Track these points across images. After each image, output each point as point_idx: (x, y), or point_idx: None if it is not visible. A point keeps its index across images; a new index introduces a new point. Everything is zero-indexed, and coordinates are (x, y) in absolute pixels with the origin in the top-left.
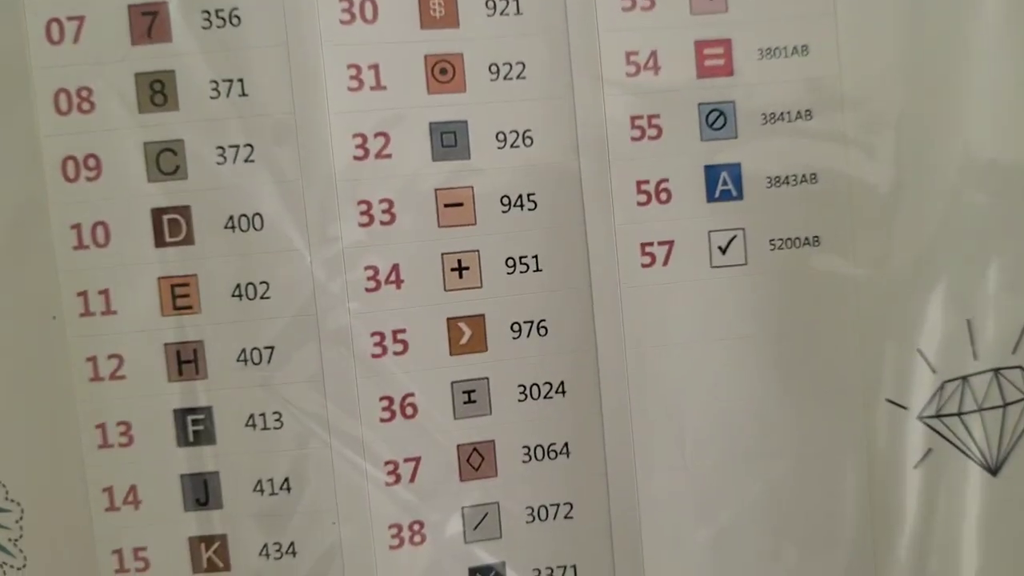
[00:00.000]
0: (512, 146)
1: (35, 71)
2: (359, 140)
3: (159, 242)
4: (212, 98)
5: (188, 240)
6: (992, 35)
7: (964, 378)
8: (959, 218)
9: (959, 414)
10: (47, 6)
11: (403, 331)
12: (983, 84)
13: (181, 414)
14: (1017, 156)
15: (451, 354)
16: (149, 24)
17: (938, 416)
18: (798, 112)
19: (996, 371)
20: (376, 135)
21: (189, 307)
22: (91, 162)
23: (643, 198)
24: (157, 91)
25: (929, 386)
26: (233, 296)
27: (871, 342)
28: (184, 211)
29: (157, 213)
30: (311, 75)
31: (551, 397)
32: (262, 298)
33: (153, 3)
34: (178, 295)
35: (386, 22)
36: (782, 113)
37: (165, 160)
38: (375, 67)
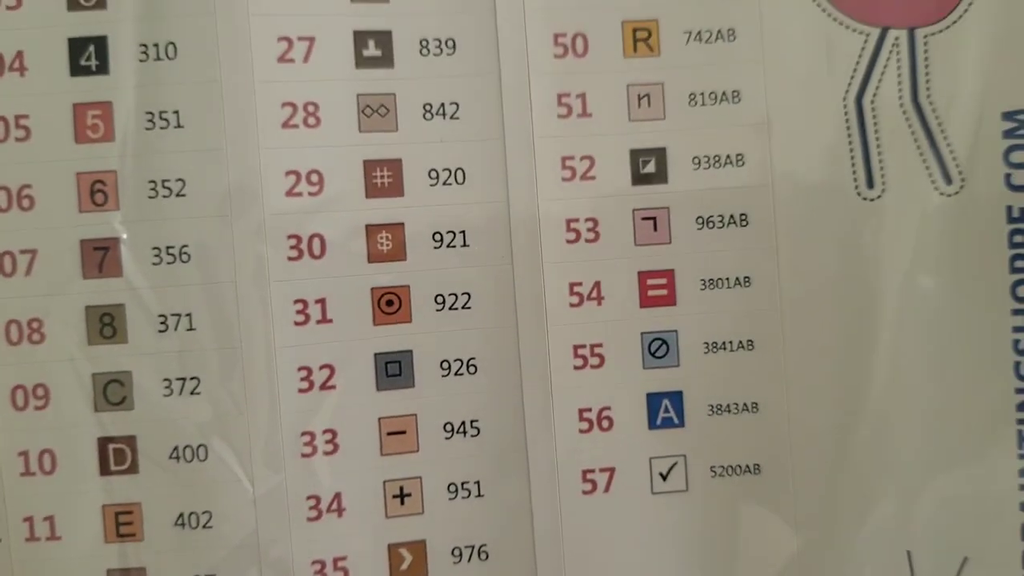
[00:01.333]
0: (456, 374)
1: None
2: (304, 372)
3: (104, 470)
4: (160, 331)
5: (133, 469)
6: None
7: None
8: (897, 448)
9: None
10: (0, 240)
11: (343, 558)
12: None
13: None
14: (946, 389)
15: None
16: (101, 259)
17: None
18: (739, 342)
19: None
20: (321, 367)
21: (132, 535)
22: (40, 391)
23: (585, 426)
24: (107, 323)
25: None
26: (176, 524)
27: (811, 574)
28: (129, 441)
29: (103, 442)
30: (257, 309)
31: None
32: (204, 527)
33: (105, 239)
34: (122, 523)
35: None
36: (724, 343)
37: (112, 391)
38: (321, 302)
